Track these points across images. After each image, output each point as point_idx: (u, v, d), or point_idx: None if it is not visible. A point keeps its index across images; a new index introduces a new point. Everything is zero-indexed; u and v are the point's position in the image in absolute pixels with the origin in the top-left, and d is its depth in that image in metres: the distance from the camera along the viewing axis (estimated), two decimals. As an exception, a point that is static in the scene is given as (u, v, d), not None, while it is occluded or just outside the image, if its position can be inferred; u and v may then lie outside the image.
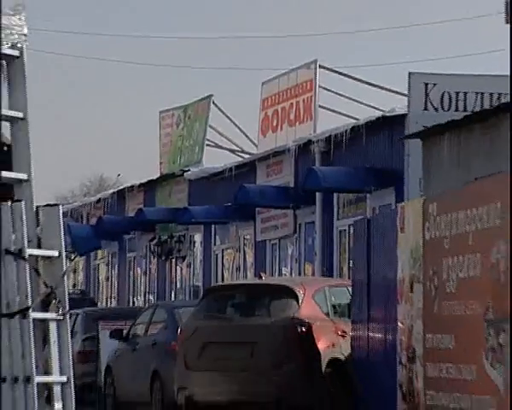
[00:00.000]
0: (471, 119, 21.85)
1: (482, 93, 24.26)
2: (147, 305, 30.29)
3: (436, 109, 24.24)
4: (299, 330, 19.17)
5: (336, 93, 30.79)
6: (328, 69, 30.56)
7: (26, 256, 7.73)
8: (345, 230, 26.66)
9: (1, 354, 7.78)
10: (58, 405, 7.82)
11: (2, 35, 7.85)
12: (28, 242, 7.79)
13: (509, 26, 19.74)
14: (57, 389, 7.86)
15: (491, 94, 24.20)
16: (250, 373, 19.08)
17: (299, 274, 29.56)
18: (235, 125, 36.65)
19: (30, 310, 7.79)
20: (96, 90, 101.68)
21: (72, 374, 8.02)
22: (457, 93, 24.55)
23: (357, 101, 30.65)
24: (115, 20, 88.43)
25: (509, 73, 17.13)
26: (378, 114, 27.56)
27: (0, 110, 7.99)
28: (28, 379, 7.69)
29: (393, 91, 29.80)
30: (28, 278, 7.75)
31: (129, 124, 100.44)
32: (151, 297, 36.36)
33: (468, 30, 78.14)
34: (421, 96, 24.57)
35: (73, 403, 7.91)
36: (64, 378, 7.90)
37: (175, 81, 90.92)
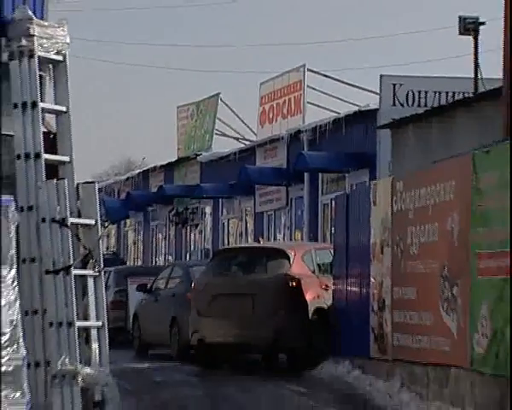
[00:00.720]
0: (431, 113, 21.90)
1: (440, 92, 24.27)
2: (166, 264, 30.11)
3: (402, 105, 24.24)
4: (290, 284, 19.17)
5: (321, 91, 30.73)
6: (314, 72, 30.51)
7: (69, 224, 7.77)
8: (328, 203, 26.44)
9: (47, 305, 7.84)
10: (95, 345, 7.88)
11: (49, 43, 7.87)
12: (70, 213, 7.81)
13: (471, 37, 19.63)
14: (94, 332, 7.89)
15: (446, 93, 24.17)
16: (250, 319, 19.05)
17: (291, 239, 29.38)
18: (239, 117, 36.49)
19: (72, 268, 7.76)
20: (126, 89, 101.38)
21: (106, 320, 8.02)
22: (419, 92, 24.59)
23: (338, 98, 30.53)
24: (138, 29, 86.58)
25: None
26: (355, 108, 27.57)
27: (37, 105, 8.00)
28: (70, 324, 7.73)
29: (368, 90, 29.68)
30: (70, 242, 7.78)
31: (152, 116, 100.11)
32: (170, 258, 36.15)
33: (429, 39, 77.74)
34: (389, 94, 24.61)
35: (107, 343, 7.98)
36: (99, 323, 7.93)
37: (190, 81, 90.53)
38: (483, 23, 24.22)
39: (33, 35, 7.75)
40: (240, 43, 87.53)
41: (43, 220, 7.77)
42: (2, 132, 7.79)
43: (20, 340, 7.46)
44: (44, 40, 7.83)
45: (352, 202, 19.33)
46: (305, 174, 28.79)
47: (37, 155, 7.77)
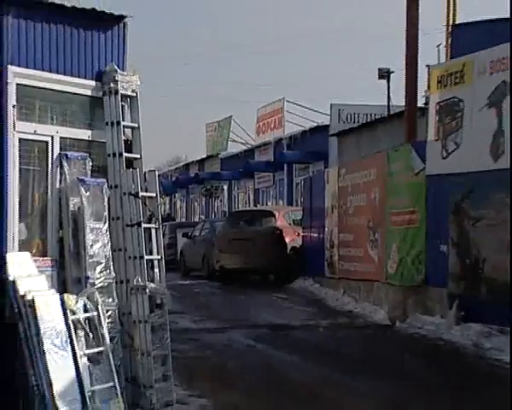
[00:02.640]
0: (361, 127, 22.04)
1: (367, 114, 24.34)
2: (200, 220, 30.30)
3: (344, 122, 24.39)
4: (276, 232, 19.24)
5: (294, 114, 30.70)
6: (289, 102, 30.54)
7: (140, 196, 7.67)
8: (299, 183, 26.43)
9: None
10: (156, 270, 7.77)
11: (127, 85, 7.72)
12: (140, 189, 7.68)
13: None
14: (155, 262, 7.78)
15: (371, 114, 24.20)
16: (252, 254, 19.13)
17: (276, 204, 29.60)
18: (244, 130, 36.57)
19: (141, 223, 7.63)
20: (175, 106, 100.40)
21: (163, 254, 7.86)
22: (354, 114, 24.72)
23: (305, 117, 30.58)
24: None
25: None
26: (315, 124, 27.64)
27: (115, 122, 7.97)
28: (141, 257, 7.60)
29: (323, 113, 29.71)
30: (140, 207, 7.67)
31: (192, 129, 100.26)
32: (202, 217, 36.27)
33: (360, 81, 77.60)
34: (336, 115, 24.77)
35: (164, 269, 7.86)
36: (159, 257, 7.80)
37: (214, 107, 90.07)
38: (393, 72, 24.27)
39: (117, 81, 7.70)
40: (246, 84, 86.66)
41: (124, 194, 7.68)
42: (100, 140, 7.71)
43: (111, 267, 7.43)
44: (124, 83, 7.77)
45: (313, 182, 19.52)
46: (285, 165, 28.95)
47: (120, 154, 7.71)
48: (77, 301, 7.09)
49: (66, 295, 7.06)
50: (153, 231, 7.79)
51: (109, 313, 7.30)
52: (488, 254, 10.84)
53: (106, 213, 7.50)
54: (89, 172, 7.44)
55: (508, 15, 11.11)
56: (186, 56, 75.72)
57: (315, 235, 18.32)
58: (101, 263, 7.36)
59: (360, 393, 8.29)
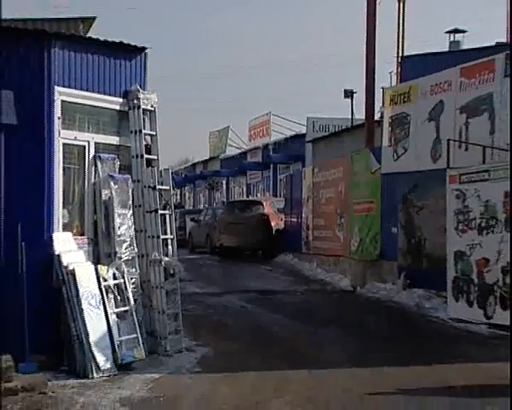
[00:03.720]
0: (331, 135, 21.89)
1: (335, 125, 24.17)
2: (204, 208, 30.21)
3: (317, 131, 24.17)
4: (264, 217, 19.15)
5: (278, 124, 30.59)
6: (275, 115, 30.41)
7: (157, 188, 7.66)
8: (282, 179, 26.45)
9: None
10: (170, 246, 7.74)
11: (147, 102, 7.67)
12: (157, 183, 7.67)
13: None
14: (169, 241, 7.75)
15: (339, 126, 23.88)
16: (244, 234, 19.03)
17: (264, 196, 29.53)
18: (238, 136, 36.44)
19: (158, 210, 7.62)
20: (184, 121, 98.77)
21: (175, 235, 7.84)
22: (326, 125, 24.49)
23: (287, 128, 30.48)
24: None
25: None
26: (294, 132, 27.50)
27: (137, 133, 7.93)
28: (158, 236, 7.61)
29: (300, 124, 29.63)
30: (157, 197, 7.66)
31: (198, 136, 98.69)
32: (206, 205, 36.14)
33: (330, 100, 76.99)
34: (311, 126, 24.42)
35: (175, 246, 7.84)
36: (172, 236, 7.77)
37: (216, 119, 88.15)
38: (355, 92, 24.18)
39: (139, 98, 7.69)
40: (241, 99, 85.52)
41: (145, 187, 7.66)
42: (126, 145, 7.65)
43: (134, 244, 7.43)
44: (145, 100, 7.75)
45: (293, 178, 19.40)
46: (271, 165, 28.77)
47: (142, 156, 7.70)
48: (108, 271, 7.18)
49: (99, 266, 7.15)
50: (167, 216, 7.79)
51: (133, 280, 7.36)
52: (428, 235, 10.88)
53: (130, 201, 7.53)
54: (117, 170, 7.54)
55: (439, 50, 11.13)
56: (194, 77, 74.81)
57: (294, 220, 18.22)
58: (126, 241, 7.39)
59: (329, 341, 8.32)
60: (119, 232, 7.32)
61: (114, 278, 7.17)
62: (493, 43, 10.90)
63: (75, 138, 7.18)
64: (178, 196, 45.24)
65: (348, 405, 5.87)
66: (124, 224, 7.38)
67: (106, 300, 6.95)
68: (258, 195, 30.70)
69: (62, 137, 7.03)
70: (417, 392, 6.14)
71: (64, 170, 7.08)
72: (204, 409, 5.75)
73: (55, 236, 6.90)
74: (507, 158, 9.23)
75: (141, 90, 7.62)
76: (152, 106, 7.74)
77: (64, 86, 6.96)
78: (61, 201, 7.03)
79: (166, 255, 7.66)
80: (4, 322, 6.53)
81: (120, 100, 7.57)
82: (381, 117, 13.33)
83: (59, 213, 6.99)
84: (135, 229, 7.51)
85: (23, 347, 6.40)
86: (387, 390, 6.15)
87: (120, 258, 7.28)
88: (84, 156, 7.32)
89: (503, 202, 8.76)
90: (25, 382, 6.02)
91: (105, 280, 7.06)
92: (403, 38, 14.26)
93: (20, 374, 6.16)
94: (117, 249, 7.29)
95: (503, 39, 10.92)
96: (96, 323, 6.78)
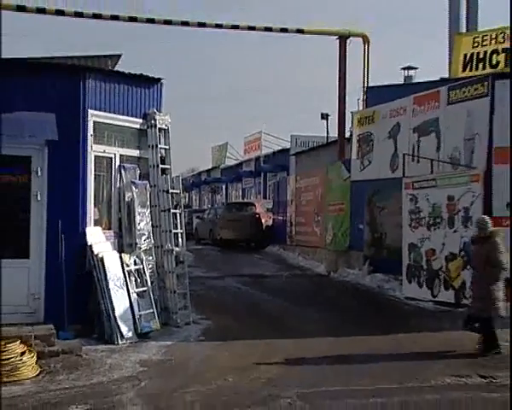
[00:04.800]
0: (310, 150, 21.64)
1: (314, 142, 23.16)
2: (207, 208, 30.06)
3: (300, 146, 23.97)
4: (256, 216, 19.05)
5: (268, 140, 30.42)
6: (265, 133, 30.32)
7: (169, 192, 7.67)
8: (271, 185, 26.21)
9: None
10: (180, 239, 7.73)
11: (162, 121, 7.66)
12: (170, 187, 7.68)
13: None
14: (179, 234, 7.76)
15: (317, 142, 22.59)
16: (240, 230, 18.91)
17: (256, 198, 29.42)
18: (235, 150, 36.29)
19: (170, 209, 7.58)
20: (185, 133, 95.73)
21: (184, 229, 7.77)
22: (306, 141, 24.24)
23: (275, 143, 30.34)
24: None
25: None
26: (281, 147, 27.28)
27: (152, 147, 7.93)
28: (170, 231, 7.62)
29: (286, 140, 29.58)
30: (170, 199, 7.67)
31: (203, 149, 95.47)
32: (209, 205, 36.01)
33: (310, 121, 74.07)
34: (294, 142, 24.05)
35: (184, 239, 7.83)
36: (182, 231, 7.75)
37: (217, 135, 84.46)
38: (330, 115, 24.09)
39: (156, 119, 7.72)
40: (237, 120, 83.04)
41: (160, 191, 7.65)
42: (145, 157, 7.62)
43: (151, 237, 7.42)
44: (160, 121, 7.76)
45: (279, 184, 19.21)
46: (262, 173, 28.68)
47: (157, 166, 7.69)
48: (130, 258, 7.21)
49: (123, 254, 7.18)
50: (177, 214, 7.81)
51: (150, 266, 7.39)
52: (388, 230, 10.93)
53: (148, 202, 7.56)
54: (137, 177, 7.58)
55: (396, 83, 11.22)
56: (202, 99, 72.82)
57: (280, 218, 18.05)
58: (145, 234, 7.43)
59: (307, 315, 8.37)
60: (138, 227, 7.36)
61: (135, 264, 7.21)
62: (438, 78, 11.02)
63: (104, 151, 7.25)
64: (187, 198, 44.83)
65: (323, 363, 5.95)
66: (143, 220, 7.42)
67: (128, 282, 7.00)
68: (252, 197, 30.49)
69: (94, 150, 7.10)
70: (380, 353, 6.23)
71: (95, 177, 7.11)
72: (207, 369, 5.79)
73: (87, 230, 6.92)
74: (449, 169, 9.41)
75: (157, 113, 7.64)
76: (166, 125, 7.76)
77: (95, 109, 7.03)
78: (92, 201, 7.06)
79: (177, 246, 7.67)
80: (48, 298, 6.62)
81: (140, 120, 7.58)
82: (351, 135, 13.37)
83: (91, 212, 7.06)
84: (152, 224, 7.54)
85: (62, 318, 6.48)
86: (359, 352, 6.23)
87: (140, 248, 7.32)
88: (111, 166, 7.32)
89: (447, 205, 8.94)
90: (64, 346, 6.10)
91: (127, 266, 7.11)
92: (367, 72, 14.34)
93: (60, 340, 6.23)
94: (137, 241, 7.33)
95: (446, 75, 11.07)
96: (120, 300, 6.84)
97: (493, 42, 8.92)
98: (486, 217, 6.61)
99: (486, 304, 6.03)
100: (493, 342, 6.10)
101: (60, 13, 11.88)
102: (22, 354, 5.52)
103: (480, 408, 4.76)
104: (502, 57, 8.83)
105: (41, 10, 11.90)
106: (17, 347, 5.55)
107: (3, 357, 5.34)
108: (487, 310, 6.04)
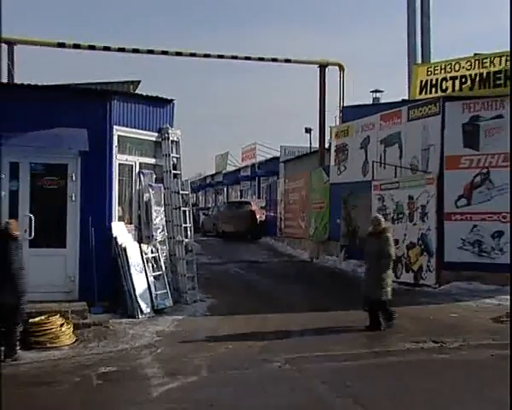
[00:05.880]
0: (296, 157, 21.40)
1: (299, 151, 23.56)
2: (212, 205, 29.97)
3: (287, 155, 23.73)
4: (252, 212, 18.99)
5: (261, 151, 30.42)
6: (259, 144, 30.31)
7: (180, 193, 7.68)
8: (264, 187, 26.30)
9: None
10: (188, 232, 7.72)
11: (174, 134, 7.61)
12: (180, 189, 7.68)
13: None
14: (188, 228, 7.75)
15: (300, 151, 23.66)
16: (238, 224, 18.86)
17: (252, 198, 29.35)
18: (234, 158, 36.27)
19: (180, 207, 7.62)
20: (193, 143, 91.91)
21: (192, 224, 7.81)
22: (293, 151, 23.92)
23: (267, 153, 30.25)
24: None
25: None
26: (272, 156, 27.25)
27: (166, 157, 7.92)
28: (180, 225, 7.58)
29: (276, 150, 29.43)
30: (180, 199, 7.67)
31: (208, 157, 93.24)
32: (213, 204, 35.89)
33: (297, 134, 73.74)
34: (284, 152, 23.72)
35: (192, 231, 7.82)
36: (190, 225, 7.73)
37: (218, 146, 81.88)
38: (312, 129, 24.06)
39: (169, 133, 7.73)
40: (236, 134, 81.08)
41: (172, 192, 7.66)
42: (160, 164, 7.61)
43: (165, 230, 7.45)
44: (172, 134, 7.77)
45: (271, 187, 19.15)
46: (256, 178, 28.65)
47: (170, 171, 7.69)
48: (147, 248, 7.24)
49: (142, 245, 7.21)
50: (187, 211, 7.82)
51: (164, 254, 7.41)
52: (360, 224, 10.98)
53: (163, 202, 7.58)
54: (154, 181, 7.58)
55: (366, 103, 11.28)
56: (207, 117, 71.07)
57: (272, 214, 17.87)
58: (160, 228, 7.46)
59: (294, 292, 8.45)
60: (155, 222, 7.38)
61: (152, 252, 7.25)
62: (400, 100, 11.19)
63: (126, 160, 7.24)
64: (194, 198, 44.71)
65: (305, 334, 6.06)
66: (158, 216, 7.44)
67: (146, 267, 7.05)
68: (248, 197, 30.53)
69: (118, 159, 7.10)
70: (352, 325, 6.32)
71: (119, 181, 7.13)
72: (212, 337, 5.85)
73: (113, 224, 6.92)
74: (409, 174, 9.54)
75: (170, 128, 7.67)
76: (177, 138, 7.78)
77: (119, 125, 7.07)
78: (116, 201, 7.07)
79: (186, 237, 7.70)
80: (81, 280, 6.69)
81: (156, 134, 7.58)
82: (330, 146, 13.46)
83: (115, 210, 7.03)
84: (165, 220, 7.55)
85: (93, 296, 6.55)
86: (334, 325, 6.30)
87: (156, 239, 7.34)
88: (132, 172, 7.32)
89: (407, 203, 9.10)
90: (95, 319, 6.21)
91: (145, 254, 7.15)
92: (343, 94, 14.47)
93: (91, 314, 6.33)
94: (153, 233, 7.35)
95: (406, 97, 11.25)
96: (139, 282, 6.88)
97: (443, 71, 9.25)
98: (379, 215, 6.75)
99: (377, 288, 6.10)
100: (389, 316, 6.17)
101: (92, 48, 12.44)
102: (61, 325, 5.72)
103: (438, 366, 4.86)
104: (450, 83, 9.14)
105: (77, 46, 12.36)
106: (57, 319, 5.75)
107: (47, 327, 5.55)
108: (378, 293, 6.11)
